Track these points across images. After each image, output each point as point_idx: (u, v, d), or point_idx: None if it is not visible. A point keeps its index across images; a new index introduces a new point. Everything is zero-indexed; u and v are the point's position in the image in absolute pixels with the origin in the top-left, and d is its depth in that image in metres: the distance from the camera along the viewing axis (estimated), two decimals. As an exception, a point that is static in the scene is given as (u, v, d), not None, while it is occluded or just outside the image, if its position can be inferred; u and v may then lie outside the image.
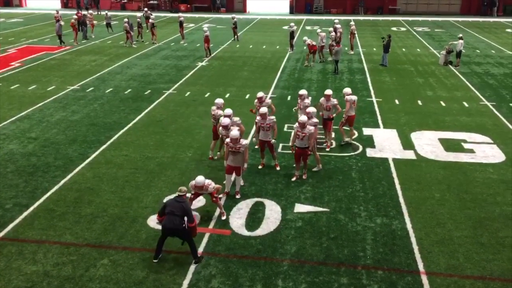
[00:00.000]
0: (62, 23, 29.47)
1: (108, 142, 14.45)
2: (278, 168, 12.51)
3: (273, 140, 12.27)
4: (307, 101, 13.51)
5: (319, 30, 27.28)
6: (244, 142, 10.78)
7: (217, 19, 44.00)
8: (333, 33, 26.79)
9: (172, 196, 10.16)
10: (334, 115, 13.70)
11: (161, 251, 8.92)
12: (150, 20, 31.02)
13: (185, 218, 8.59)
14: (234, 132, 10.73)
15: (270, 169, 12.57)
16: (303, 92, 13.93)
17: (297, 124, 11.83)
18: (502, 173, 12.50)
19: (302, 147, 11.80)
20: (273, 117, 12.34)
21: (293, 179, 12.11)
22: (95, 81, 21.61)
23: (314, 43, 24.78)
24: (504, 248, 9.33)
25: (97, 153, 13.69)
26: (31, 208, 10.70)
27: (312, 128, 11.70)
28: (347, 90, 14.26)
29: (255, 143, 13.27)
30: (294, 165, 12.25)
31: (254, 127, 14.09)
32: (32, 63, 25.12)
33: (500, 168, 12.79)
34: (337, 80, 22.06)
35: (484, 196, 11.34)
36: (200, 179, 9.64)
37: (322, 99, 13.65)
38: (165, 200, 9.62)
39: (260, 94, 13.53)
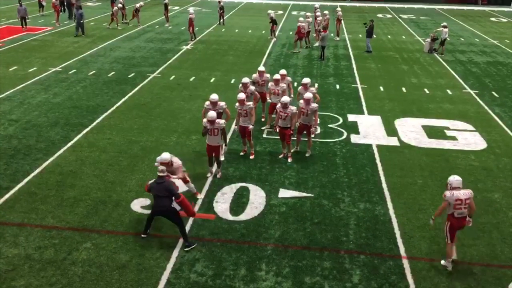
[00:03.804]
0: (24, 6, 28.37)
1: (91, 125, 14.27)
2: (251, 157, 12.39)
3: (250, 126, 12.24)
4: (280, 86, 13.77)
5: (308, 14, 27.15)
6: (190, 186, 10.22)
7: (203, 2, 43.48)
8: (320, 18, 26.76)
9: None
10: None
11: (150, 227, 9.05)
12: (137, 5, 30.42)
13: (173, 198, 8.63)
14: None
15: (255, 155, 12.56)
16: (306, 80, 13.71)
17: (279, 104, 11.91)
18: (483, 160, 12.69)
19: (284, 127, 11.93)
20: (250, 103, 12.27)
21: (280, 156, 12.49)
22: (78, 63, 21.26)
23: (304, 29, 24.55)
24: (484, 234, 9.51)
25: (79, 136, 13.52)
26: (12, 191, 10.55)
27: (293, 108, 11.85)
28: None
29: (237, 130, 13.21)
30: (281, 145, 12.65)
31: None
32: (12, 44, 24.57)
33: (482, 156, 12.98)
34: (323, 66, 22.05)
35: (466, 182, 11.38)
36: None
37: (300, 88, 13.59)
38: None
39: (245, 80, 13.42)
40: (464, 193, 8.14)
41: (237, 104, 12.14)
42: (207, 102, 11.92)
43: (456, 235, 8.38)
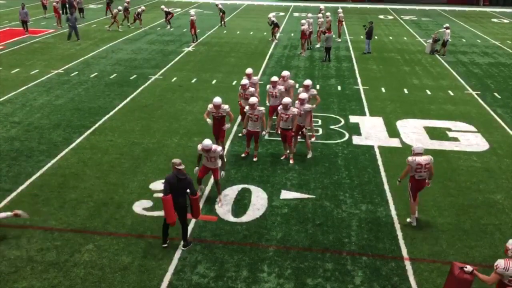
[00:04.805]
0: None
1: (93, 127, 14.29)
2: (255, 159, 12.37)
3: (263, 133, 12.21)
4: (251, 89, 13.38)
5: (309, 15, 27.16)
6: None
7: (204, 4, 43.55)
8: (321, 19, 26.77)
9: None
10: (314, 106, 13.67)
11: (168, 234, 8.84)
12: (139, 9, 30.51)
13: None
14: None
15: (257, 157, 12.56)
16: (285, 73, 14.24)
17: (280, 106, 11.93)
18: (486, 162, 12.66)
19: (286, 128, 11.95)
20: (262, 108, 12.26)
21: (282, 157, 12.47)
22: (80, 65, 21.30)
23: (307, 31, 24.47)
24: (486, 235, 9.49)
25: (81, 138, 13.54)
26: (14, 193, 10.57)
27: (295, 110, 11.79)
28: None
29: (244, 134, 13.13)
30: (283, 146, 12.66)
31: (240, 116, 14.05)
32: (15, 46, 24.64)
33: (484, 157, 12.96)
34: (324, 68, 22.05)
35: (468, 184, 11.50)
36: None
37: (300, 89, 13.49)
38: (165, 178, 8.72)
39: (245, 81, 13.39)
40: (424, 159, 9.34)
41: (247, 107, 12.07)
42: (210, 105, 11.83)
43: (418, 196, 9.73)
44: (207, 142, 9.70)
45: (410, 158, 9.41)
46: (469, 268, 7.08)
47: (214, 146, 9.84)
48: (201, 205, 10.21)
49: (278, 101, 13.51)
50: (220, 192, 10.43)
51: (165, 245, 8.83)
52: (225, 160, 10.43)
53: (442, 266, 8.54)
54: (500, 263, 6.55)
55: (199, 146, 9.82)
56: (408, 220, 9.87)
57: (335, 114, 15.89)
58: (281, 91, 13.58)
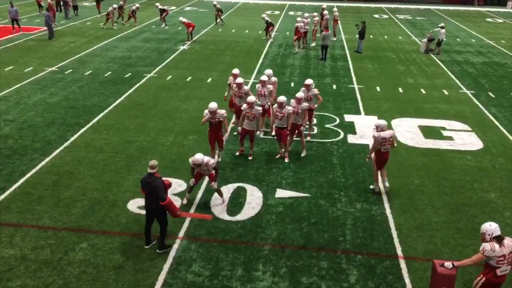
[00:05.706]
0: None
1: (87, 125, 14.23)
2: (250, 158, 12.34)
3: (257, 132, 12.20)
4: (246, 87, 13.35)
5: (306, 14, 27.19)
6: None
7: (199, 2, 43.46)
8: (316, 18, 26.74)
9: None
10: (315, 105, 13.67)
11: (150, 236, 8.76)
12: (133, 7, 30.46)
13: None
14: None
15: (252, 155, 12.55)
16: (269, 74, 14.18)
17: (276, 105, 11.92)
18: (480, 160, 12.72)
19: (281, 127, 11.93)
20: (260, 108, 12.22)
21: (277, 156, 12.47)
22: (74, 63, 21.20)
23: (302, 28, 24.50)
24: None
25: (76, 136, 13.48)
26: (8, 192, 10.51)
27: (290, 108, 11.80)
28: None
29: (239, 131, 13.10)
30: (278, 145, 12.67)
31: (234, 116, 13.99)
32: (8, 44, 24.49)
33: (478, 156, 13.01)
34: (319, 66, 22.06)
35: (462, 182, 11.55)
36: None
37: (302, 89, 13.45)
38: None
39: (240, 79, 13.33)
40: (388, 133, 10.28)
41: (245, 105, 11.98)
42: (206, 111, 11.54)
43: (384, 168, 10.73)
44: (198, 156, 9.48)
45: (375, 134, 10.21)
46: (448, 264, 7.30)
47: (206, 159, 9.57)
48: (194, 207, 10.18)
49: (266, 100, 13.47)
50: (222, 194, 10.29)
51: (147, 247, 8.75)
52: (219, 171, 10.21)
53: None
54: (485, 246, 6.77)
55: (191, 160, 9.65)
56: (371, 187, 10.97)
57: (330, 113, 15.91)
58: (270, 90, 13.51)
